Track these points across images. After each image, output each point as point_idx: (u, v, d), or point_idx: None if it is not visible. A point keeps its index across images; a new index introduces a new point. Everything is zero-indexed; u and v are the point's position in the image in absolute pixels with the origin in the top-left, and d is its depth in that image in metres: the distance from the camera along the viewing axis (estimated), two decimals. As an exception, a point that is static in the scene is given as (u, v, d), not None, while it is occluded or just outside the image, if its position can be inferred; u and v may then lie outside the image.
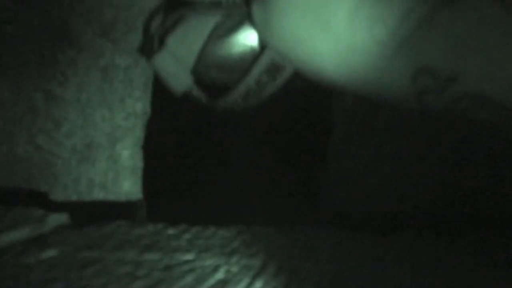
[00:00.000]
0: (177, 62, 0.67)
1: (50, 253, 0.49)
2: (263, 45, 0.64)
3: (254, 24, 0.58)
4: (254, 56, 0.65)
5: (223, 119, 0.75)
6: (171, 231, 0.56)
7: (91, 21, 0.72)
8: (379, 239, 0.56)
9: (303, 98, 0.75)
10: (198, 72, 0.68)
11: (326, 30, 0.44)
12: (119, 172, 0.73)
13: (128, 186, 0.73)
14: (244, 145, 0.77)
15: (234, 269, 0.46)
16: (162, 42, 0.67)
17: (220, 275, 0.45)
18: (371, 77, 0.45)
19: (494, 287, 0.45)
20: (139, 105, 0.74)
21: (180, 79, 0.67)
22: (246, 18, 0.64)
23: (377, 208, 0.68)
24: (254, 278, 0.45)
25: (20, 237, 0.53)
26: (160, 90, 0.74)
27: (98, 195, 0.73)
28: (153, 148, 0.75)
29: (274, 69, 0.64)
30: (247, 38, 0.66)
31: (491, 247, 0.54)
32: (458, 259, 0.50)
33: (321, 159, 0.72)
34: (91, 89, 0.73)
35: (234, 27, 0.66)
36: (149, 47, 0.68)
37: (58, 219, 0.58)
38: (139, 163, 0.74)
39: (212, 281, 0.44)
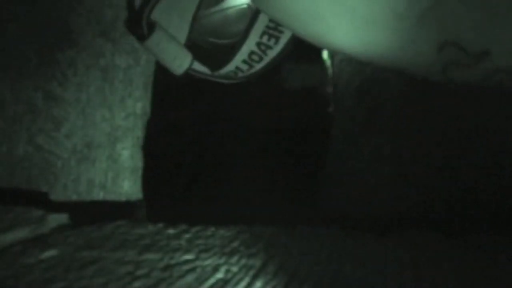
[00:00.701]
0: (173, 41, 0.63)
1: (50, 253, 0.49)
2: None
3: None
4: (251, 16, 0.62)
5: (223, 119, 0.75)
6: (171, 231, 0.56)
7: (91, 21, 0.72)
8: (379, 239, 0.56)
9: (303, 98, 0.75)
10: (194, 42, 0.65)
11: (338, 3, 0.41)
12: (119, 172, 0.73)
13: (128, 186, 0.73)
14: (244, 145, 0.77)
15: (234, 269, 0.46)
16: (151, 22, 0.62)
17: (220, 274, 0.45)
18: (391, 51, 0.41)
19: (495, 287, 0.45)
20: (139, 105, 0.74)
21: (179, 58, 0.64)
22: None
23: (377, 208, 0.68)
24: (254, 278, 0.45)
25: (20, 237, 0.54)
26: (160, 90, 0.75)
27: (98, 195, 0.72)
28: (153, 148, 0.75)
29: (274, 28, 0.62)
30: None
31: (491, 247, 0.54)
32: (458, 259, 0.50)
33: (321, 159, 0.72)
34: (91, 89, 0.73)
35: None
36: (139, 29, 0.64)
37: (58, 219, 0.59)
38: (139, 163, 0.74)
39: (212, 280, 0.44)
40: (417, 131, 0.67)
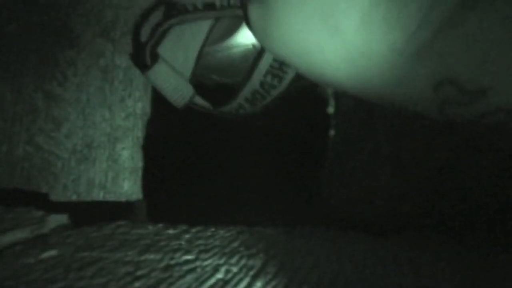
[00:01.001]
0: (174, 73, 0.63)
1: (50, 253, 0.49)
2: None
3: (251, 30, 0.53)
4: (256, 56, 0.62)
5: (222, 120, 0.75)
6: (171, 231, 0.56)
7: (91, 21, 0.72)
8: (379, 239, 0.56)
9: (303, 98, 0.75)
10: (198, 79, 0.66)
11: (335, 36, 0.40)
12: (119, 172, 0.73)
13: (128, 186, 0.73)
14: (243, 145, 0.77)
15: (234, 269, 0.46)
16: (155, 54, 0.63)
17: (220, 275, 0.45)
18: (387, 86, 0.41)
19: (495, 287, 0.45)
20: (139, 105, 0.74)
21: (180, 91, 0.64)
22: (242, 19, 0.62)
23: (377, 208, 0.68)
24: (254, 278, 0.45)
25: (20, 238, 0.54)
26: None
27: (98, 195, 0.72)
28: (153, 148, 0.75)
29: (278, 68, 0.62)
30: (246, 38, 0.63)
31: (491, 248, 0.54)
32: (458, 259, 0.50)
33: (321, 160, 0.72)
34: (91, 89, 0.73)
35: (231, 28, 0.63)
36: (142, 59, 0.65)
37: (58, 219, 0.58)
38: (139, 163, 0.74)
39: (212, 281, 0.44)
40: (417, 131, 0.67)
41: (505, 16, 0.34)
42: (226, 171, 0.78)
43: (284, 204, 0.74)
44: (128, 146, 0.73)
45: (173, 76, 0.63)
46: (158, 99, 0.74)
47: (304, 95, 0.75)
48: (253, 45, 0.63)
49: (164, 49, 0.63)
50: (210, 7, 0.60)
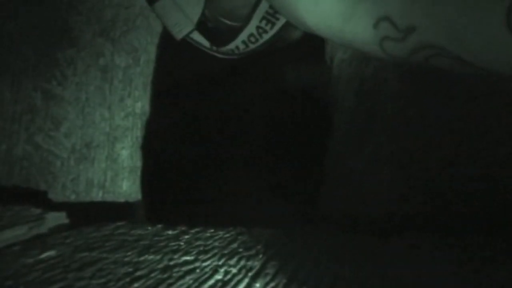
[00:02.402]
0: (178, 8, 0.67)
1: (49, 253, 0.49)
2: None
3: None
4: (255, 1, 0.67)
5: (223, 119, 0.75)
6: (170, 232, 0.56)
7: (91, 21, 0.72)
8: (379, 239, 0.55)
9: (303, 98, 0.75)
10: (207, 19, 0.69)
11: None
12: (118, 172, 0.73)
13: (127, 186, 0.73)
14: (243, 145, 0.77)
15: (234, 270, 0.46)
16: None
17: (219, 276, 0.45)
18: (336, 23, 0.46)
19: (495, 287, 0.45)
20: (138, 104, 0.74)
21: (179, 25, 0.68)
22: None
23: (376, 209, 0.68)
24: (253, 279, 0.45)
25: (19, 236, 0.53)
26: (159, 90, 0.74)
27: (97, 194, 0.72)
28: (152, 148, 0.75)
29: (272, 15, 0.67)
30: None
31: (491, 247, 0.54)
32: (458, 259, 0.50)
33: (321, 161, 0.72)
34: (90, 89, 0.73)
35: None
36: None
37: (56, 217, 0.58)
38: (138, 163, 0.74)
39: (211, 282, 0.44)
40: (417, 132, 0.67)
41: None
42: (226, 171, 0.78)
43: (284, 204, 0.74)
44: (127, 145, 0.73)
45: (177, 10, 0.67)
46: (158, 99, 0.74)
47: (305, 95, 0.75)
48: None
49: None
50: None
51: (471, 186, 0.65)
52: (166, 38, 0.75)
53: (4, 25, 0.71)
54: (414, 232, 0.59)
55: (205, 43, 0.71)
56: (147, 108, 0.74)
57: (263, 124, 0.76)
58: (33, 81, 0.72)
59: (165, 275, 0.45)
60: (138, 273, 0.45)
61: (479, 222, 0.64)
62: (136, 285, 0.43)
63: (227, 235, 0.55)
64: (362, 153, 0.70)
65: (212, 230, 0.56)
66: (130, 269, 0.46)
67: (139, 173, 0.74)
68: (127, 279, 0.44)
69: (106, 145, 0.73)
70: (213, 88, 0.74)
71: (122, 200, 0.73)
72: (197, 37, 0.70)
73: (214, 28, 0.70)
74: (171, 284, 0.43)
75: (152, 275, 0.45)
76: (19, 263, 0.47)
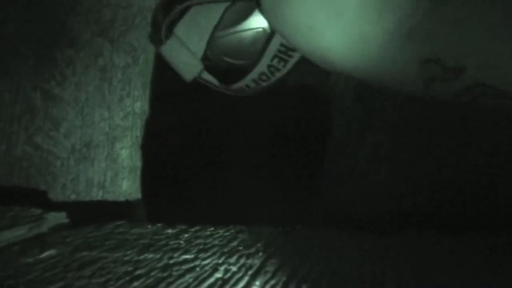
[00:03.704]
0: (185, 49, 0.67)
1: (49, 252, 0.49)
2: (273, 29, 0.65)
3: (262, 10, 0.57)
4: (265, 39, 0.66)
5: (223, 119, 0.75)
6: (170, 230, 0.56)
7: (89, 21, 0.72)
8: (378, 238, 0.55)
9: (303, 99, 0.75)
10: (209, 59, 0.69)
11: (336, 19, 0.44)
12: (117, 171, 0.73)
13: (127, 186, 0.73)
14: (243, 145, 0.77)
15: (233, 268, 0.46)
16: (170, 32, 0.67)
17: (219, 274, 0.45)
18: (380, 66, 0.45)
19: (494, 286, 0.45)
20: (137, 104, 0.74)
21: (190, 65, 0.68)
22: (255, 3, 0.64)
23: (376, 208, 0.68)
24: (253, 277, 0.45)
25: (19, 237, 0.53)
26: (159, 90, 0.74)
27: (97, 194, 0.72)
28: (152, 148, 0.75)
29: (284, 52, 0.66)
30: (257, 22, 0.66)
31: (490, 247, 0.54)
32: (458, 259, 0.50)
33: (321, 159, 0.72)
34: (89, 89, 0.73)
35: (243, 13, 0.66)
36: (158, 37, 0.68)
37: (56, 217, 0.58)
38: (137, 162, 0.74)
39: (211, 280, 0.44)
40: (416, 131, 0.67)
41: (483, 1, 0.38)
42: (225, 171, 0.78)
43: (284, 204, 0.74)
44: (127, 145, 0.73)
45: (184, 51, 0.67)
46: (158, 98, 0.74)
47: (305, 95, 0.75)
48: (263, 29, 0.67)
49: (179, 29, 0.67)
50: None
51: (470, 185, 0.65)
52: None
53: (3, 26, 0.71)
54: (413, 231, 0.59)
55: (215, 81, 0.71)
56: (146, 107, 0.74)
57: (263, 123, 0.76)
58: (32, 82, 0.72)
59: (165, 274, 0.45)
60: (138, 272, 0.45)
61: (479, 221, 0.64)
62: (136, 284, 0.43)
63: (227, 233, 0.55)
64: (362, 152, 0.70)
65: (212, 229, 0.56)
66: (130, 268, 0.46)
67: (139, 172, 0.74)
68: (127, 278, 0.44)
69: (106, 145, 0.73)
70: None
71: (122, 199, 0.73)
72: (207, 76, 0.70)
73: (216, 66, 0.70)
74: (171, 283, 0.43)
75: (152, 273, 0.45)
76: (19, 262, 0.47)
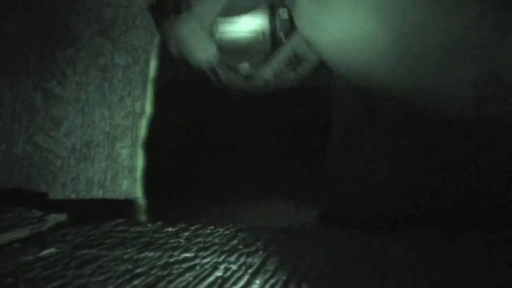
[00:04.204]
0: (204, 30, 0.61)
1: (49, 251, 0.49)
2: (284, 33, 0.63)
3: (295, 15, 0.54)
4: (270, 44, 0.64)
5: (223, 120, 0.75)
6: (170, 229, 0.56)
7: (90, 20, 0.72)
8: (378, 238, 0.55)
9: (303, 99, 0.75)
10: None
11: (394, 33, 0.41)
12: (118, 171, 0.73)
13: (127, 185, 0.73)
14: (243, 145, 0.77)
15: (233, 267, 0.46)
16: (187, 3, 0.61)
17: (219, 272, 0.45)
18: (429, 84, 0.42)
19: (494, 286, 0.45)
20: (138, 104, 0.74)
21: (208, 49, 0.62)
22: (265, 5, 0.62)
23: (376, 208, 0.68)
24: (253, 276, 0.45)
25: (19, 237, 0.53)
26: (159, 90, 0.75)
27: (97, 194, 0.72)
28: (152, 148, 0.75)
29: (295, 60, 0.63)
30: (258, 24, 0.63)
31: (489, 246, 0.54)
32: (458, 258, 0.50)
33: (321, 159, 0.72)
34: (90, 88, 0.73)
35: (249, 7, 0.63)
36: (169, 10, 0.62)
37: (57, 219, 0.58)
38: (138, 162, 0.74)
39: (211, 278, 0.44)
40: (416, 131, 0.67)
41: None
42: (225, 171, 0.78)
43: (284, 204, 0.74)
44: (127, 145, 0.73)
45: (203, 31, 0.61)
46: (158, 98, 0.74)
47: (304, 96, 0.75)
48: (263, 33, 0.63)
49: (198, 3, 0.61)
50: None
51: (469, 185, 0.65)
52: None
53: (4, 25, 0.71)
54: (412, 231, 0.59)
55: (224, 77, 0.67)
56: (147, 107, 0.74)
57: (263, 123, 0.76)
58: (33, 81, 0.72)
59: (165, 272, 0.45)
60: (138, 270, 0.45)
61: (479, 220, 0.64)
62: (136, 282, 0.43)
63: (227, 232, 0.55)
64: (362, 152, 0.70)
65: (212, 227, 0.56)
66: (130, 266, 0.46)
67: (139, 172, 0.74)
68: (127, 276, 0.44)
69: (106, 144, 0.73)
70: (212, 87, 0.74)
71: (122, 198, 0.73)
72: (219, 69, 0.66)
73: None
74: (171, 281, 0.43)
75: (152, 272, 0.45)
76: (19, 261, 0.47)
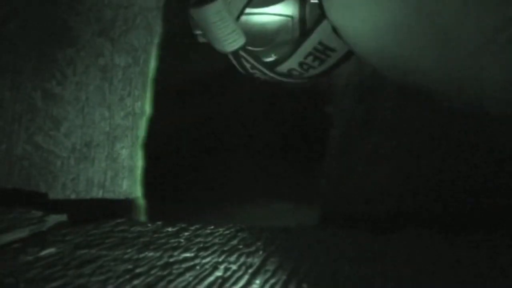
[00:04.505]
0: (231, 14, 0.56)
1: (49, 250, 0.49)
2: (311, 23, 0.57)
3: (328, 1, 0.50)
4: (298, 34, 0.59)
5: (223, 119, 0.75)
6: (170, 229, 0.56)
7: (90, 20, 0.72)
8: (378, 237, 0.56)
9: (303, 99, 0.75)
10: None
11: (432, 23, 0.38)
12: (118, 171, 0.73)
13: (127, 185, 0.73)
14: (243, 145, 0.77)
15: (233, 266, 0.46)
16: None
17: (219, 272, 0.45)
18: (469, 78, 0.39)
19: (494, 286, 0.45)
20: (138, 104, 0.74)
21: (234, 34, 0.57)
22: None
23: (376, 208, 0.68)
24: (253, 276, 0.45)
25: (19, 238, 0.53)
26: (159, 90, 0.75)
27: (97, 194, 0.72)
28: (152, 148, 0.75)
29: (322, 52, 0.59)
30: (286, 9, 0.58)
31: (489, 246, 0.54)
32: (458, 258, 0.50)
33: (321, 159, 0.72)
34: (90, 88, 0.73)
35: None
36: None
37: (57, 219, 0.58)
38: (138, 162, 0.74)
39: (211, 278, 0.44)
40: (416, 131, 0.67)
41: None
42: (225, 171, 0.78)
43: (284, 203, 0.74)
44: (127, 145, 0.73)
45: (231, 17, 0.56)
46: (158, 99, 0.74)
47: (305, 95, 0.75)
48: (292, 17, 0.59)
49: None
50: None
51: (470, 185, 0.65)
52: (166, 37, 0.75)
53: (4, 25, 0.71)
54: (412, 231, 0.59)
55: (249, 62, 0.61)
56: (147, 107, 0.74)
57: (263, 123, 0.76)
58: (33, 81, 0.72)
59: (165, 272, 0.45)
60: (138, 270, 0.45)
61: (479, 220, 0.64)
62: (136, 282, 0.43)
63: (227, 232, 0.55)
64: (362, 152, 0.70)
65: (212, 227, 0.56)
66: (130, 266, 0.46)
67: (139, 172, 0.74)
68: (127, 276, 0.44)
69: (106, 145, 0.73)
70: (212, 87, 0.74)
71: (122, 198, 0.73)
72: (245, 54, 0.60)
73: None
74: (171, 281, 0.43)
75: (152, 272, 0.45)
76: (19, 261, 0.47)
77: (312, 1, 0.58)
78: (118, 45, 0.73)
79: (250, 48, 0.60)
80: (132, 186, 0.73)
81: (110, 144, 0.73)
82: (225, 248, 0.50)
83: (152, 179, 0.74)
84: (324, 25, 0.57)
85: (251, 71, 0.62)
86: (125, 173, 0.73)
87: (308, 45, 0.59)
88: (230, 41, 0.58)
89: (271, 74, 0.62)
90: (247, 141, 0.77)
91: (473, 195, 0.65)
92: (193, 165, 0.78)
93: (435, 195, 0.66)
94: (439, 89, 0.42)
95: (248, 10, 0.58)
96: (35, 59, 0.72)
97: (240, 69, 0.62)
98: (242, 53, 0.60)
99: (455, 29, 0.36)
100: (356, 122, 0.70)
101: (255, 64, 0.61)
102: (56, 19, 0.71)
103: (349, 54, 0.59)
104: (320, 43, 0.59)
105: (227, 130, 0.77)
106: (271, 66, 0.61)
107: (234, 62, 0.62)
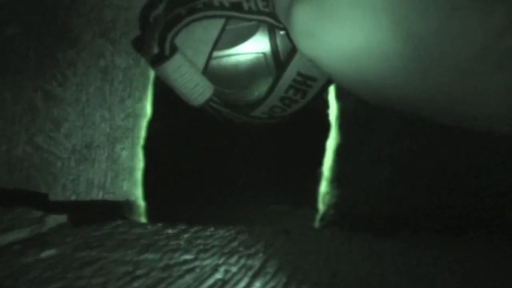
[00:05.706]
0: (193, 67, 0.55)
1: (49, 252, 0.49)
2: (285, 57, 0.55)
3: (293, 31, 0.47)
4: (278, 72, 0.56)
5: (223, 120, 0.75)
6: (170, 230, 0.56)
7: (91, 22, 0.72)
8: (377, 239, 0.56)
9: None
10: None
11: (407, 41, 0.36)
12: (118, 172, 0.73)
13: (127, 186, 0.73)
14: (243, 146, 0.77)
15: (233, 269, 0.46)
16: (173, 45, 0.54)
17: (219, 275, 0.45)
18: (460, 99, 0.36)
19: (494, 286, 0.45)
20: (138, 105, 0.74)
21: (201, 87, 0.56)
22: (255, 26, 0.55)
23: (376, 209, 0.68)
24: (253, 278, 0.45)
25: (19, 238, 0.53)
26: (159, 90, 0.75)
27: (97, 195, 0.72)
28: (152, 149, 0.75)
29: (302, 83, 0.57)
30: (257, 46, 0.56)
31: (490, 248, 0.54)
32: (457, 259, 0.50)
33: (321, 161, 0.72)
34: (90, 90, 0.73)
35: (243, 36, 0.56)
36: (160, 48, 0.55)
37: (57, 220, 0.58)
38: (138, 163, 0.74)
39: (211, 281, 0.44)
40: (417, 133, 0.68)
41: None
42: (226, 171, 0.78)
43: (284, 204, 0.74)
44: (128, 146, 0.73)
45: (193, 69, 0.54)
46: (158, 100, 0.74)
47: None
48: (264, 53, 0.56)
49: (181, 43, 0.55)
50: (237, 7, 0.54)
51: (469, 187, 0.65)
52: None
53: (5, 26, 0.71)
54: (413, 231, 0.59)
55: (223, 111, 0.60)
56: (147, 108, 0.74)
57: (263, 123, 0.76)
58: (33, 82, 0.72)
59: (165, 274, 0.45)
60: (138, 272, 0.45)
61: (478, 221, 0.64)
62: (135, 284, 0.43)
63: (227, 234, 0.55)
64: (362, 154, 0.70)
65: (212, 229, 0.56)
66: (130, 268, 0.46)
67: (139, 173, 0.74)
68: (127, 278, 0.44)
69: (107, 146, 0.73)
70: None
71: (122, 200, 0.73)
72: (215, 105, 0.59)
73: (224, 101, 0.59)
74: (171, 283, 0.43)
75: (152, 274, 0.45)
76: (19, 262, 0.47)
77: (281, 32, 0.55)
78: (118, 47, 0.73)
79: (228, 90, 0.58)
80: (132, 188, 0.73)
81: (110, 145, 0.73)
82: (225, 250, 0.50)
83: (152, 181, 0.74)
84: (300, 54, 0.54)
85: (228, 118, 0.61)
86: (126, 175, 0.73)
87: (287, 77, 0.56)
88: (196, 95, 0.56)
89: (248, 119, 0.61)
90: (247, 142, 0.77)
91: (473, 198, 0.65)
92: (193, 167, 0.78)
93: (435, 198, 0.66)
94: (427, 108, 0.40)
95: (216, 54, 0.56)
96: (36, 60, 0.72)
97: (218, 116, 0.60)
98: (213, 104, 0.58)
99: (437, 47, 0.34)
100: (357, 125, 0.70)
101: (230, 112, 0.59)
102: (57, 21, 0.72)
103: (331, 80, 0.57)
104: (298, 74, 0.56)
105: (226, 131, 0.77)
106: (252, 107, 0.59)
107: (210, 113, 0.60)
